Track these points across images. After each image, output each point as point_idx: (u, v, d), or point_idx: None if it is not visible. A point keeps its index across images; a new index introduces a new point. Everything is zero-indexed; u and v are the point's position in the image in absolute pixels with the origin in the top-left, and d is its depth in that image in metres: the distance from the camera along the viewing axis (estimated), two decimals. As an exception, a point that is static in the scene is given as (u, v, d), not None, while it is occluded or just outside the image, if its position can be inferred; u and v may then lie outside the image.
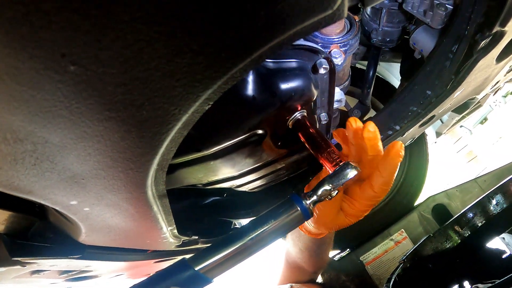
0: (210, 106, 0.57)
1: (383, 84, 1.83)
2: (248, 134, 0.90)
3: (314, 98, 0.94)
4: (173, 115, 0.55)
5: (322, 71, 0.91)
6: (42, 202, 0.70)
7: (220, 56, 0.51)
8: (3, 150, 0.53)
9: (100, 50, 0.42)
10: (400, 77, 1.66)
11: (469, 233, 1.35)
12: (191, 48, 0.48)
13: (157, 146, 0.59)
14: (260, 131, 0.91)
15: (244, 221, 1.37)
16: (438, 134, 1.78)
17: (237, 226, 1.43)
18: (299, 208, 0.81)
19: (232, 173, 1.04)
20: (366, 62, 1.59)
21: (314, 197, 0.83)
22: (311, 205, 0.83)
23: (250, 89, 0.80)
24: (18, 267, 1.02)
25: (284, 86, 0.84)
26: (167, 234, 1.01)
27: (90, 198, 0.71)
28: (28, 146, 0.54)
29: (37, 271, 1.12)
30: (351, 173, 0.80)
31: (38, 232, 0.98)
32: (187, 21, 0.45)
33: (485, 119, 3.75)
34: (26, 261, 0.99)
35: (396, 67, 1.85)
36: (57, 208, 0.74)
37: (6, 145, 0.52)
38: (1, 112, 0.47)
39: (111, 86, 0.47)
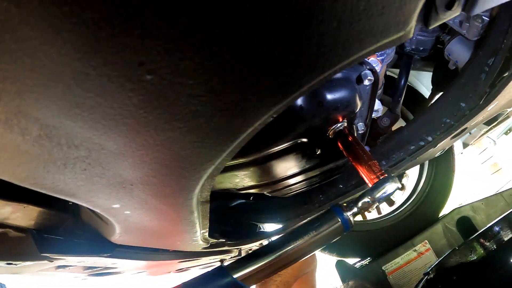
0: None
1: (412, 93, 1.77)
2: (291, 142, 0.86)
3: (357, 110, 0.89)
4: (239, 127, 0.51)
5: (366, 82, 0.88)
6: (83, 204, 0.66)
7: (297, 72, 0.47)
8: (54, 154, 0.49)
9: (181, 60, 0.38)
10: (430, 86, 1.61)
11: (495, 247, 1.31)
12: (271, 64, 0.44)
13: (215, 156, 0.55)
14: (303, 140, 0.87)
15: (270, 226, 1.33)
16: (465, 145, 1.73)
17: (262, 229, 1.39)
18: (339, 220, 0.78)
19: (269, 179, 1.00)
20: (395, 69, 1.54)
21: (355, 209, 0.79)
22: (352, 217, 0.79)
23: (298, 99, 0.76)
24: (46, 262, 0.99)
25: (331, 97, 0.81)
26: (199, 237, 0.97)
27: (134, 202, 0.67)
28: (82, 152, 0.50)
29: (63, 266, 1.08)
30: (392, 187, 0.76)
31: (68, 229, 0.95)
32: (272, 38, 0.41)
33: (510, 129, 3.65)
34: (55, 257, 0.96)
35: (425, 76, 1.79)
36: (96, 211, 0.70)
37: (59, 150, 0.48)
38: (60, 118, 0.42)
39: (185, 96, 0.43)
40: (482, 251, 1.32)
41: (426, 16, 0.59)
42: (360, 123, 1.05)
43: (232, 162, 0.82)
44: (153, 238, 0.95)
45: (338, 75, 0.83)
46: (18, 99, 0.39)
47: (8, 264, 0.97)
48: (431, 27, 0.62)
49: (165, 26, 0.34)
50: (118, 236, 0.88)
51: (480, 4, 0.58)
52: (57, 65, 0.35)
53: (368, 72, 0.86)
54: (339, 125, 0.90)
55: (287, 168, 0.97)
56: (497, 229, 1.32)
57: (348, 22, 0.44)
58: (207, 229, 0.95)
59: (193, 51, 0.38)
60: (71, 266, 1.08)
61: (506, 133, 3.73)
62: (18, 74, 0.36)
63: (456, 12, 0.59)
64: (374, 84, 0.93)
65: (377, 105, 1.16)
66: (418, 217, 1.70)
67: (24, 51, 0.34)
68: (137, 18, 0.33)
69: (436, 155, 1.47)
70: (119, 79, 0.38)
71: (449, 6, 0.57)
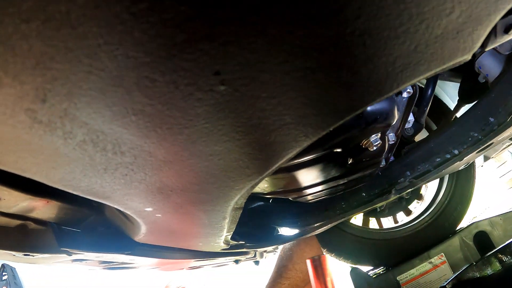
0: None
1: (436, 103, 1.71)
2: (325, 151, 0.81)
3: (394, 122, 0.84)
4: (298, 141, 0.45)
5: (405, 94, 0.82)
6: (115, 206, 0.61)
7: (366, 88, 0.42)
8: (96, 159, 0.44)
9: (261, 72, 0.32)
10: (454, 97, 1.54)
11: (512, 264, 1.26)
12: (345, 81, 0.39)
13: (266, 168, 0.50)
14: (337, 150, 0.82)
15: (289, 230, 1.28)
16: (486, 158, 1.67)
17: (280, 233, 1.33)
18: None
19: (298, 186, 0.94)
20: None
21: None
22: None
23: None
24: (64, 255, 0.94)
25: (371, 108, 0.75)
26: (222, 240, 0.92)
27: (167, 207, 0.62)
28: (127, 158, 0.44)
29: (80, 260, 1.04)
30: None
31: (91, 225, 0.90)
32: (354, 56, 0.36)
33: None
34: (74, 252, 0.91)
35: (450, 86, 1.72)
36: (127, 212, 0.65)
37: (102, 156, 0.43)
38: (112, 124, 0.37)
39: (253, 109, 0.37)
40: (500, 267, 1.27)
41: (485, 39, 0.58)
42: (391, 134, 1.00)
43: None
44: (177, 239, 0.91)
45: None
46: (67, 102, 0.34)
47: (25, 255, 0.92)
48: (487, 49, 0.60)
49: (252, 35, 0.29)
50: (142, 235, 0.84)
51: None
52: (120, 68, 0.30)
53: None
54: (373, 135, 0.84)
55: (318, 176, 0.92)
56: (516, 246, 1.27)
57: (425, 44, 0.40)
58: (232, 232, 0.91)
59: (276, 64, 0.32)
60: (88, 260, 1.03)
61: None
62: (71, 75, 0.31)
63: (511, 36, 0.58)
64: (411, 96, 0.88)
65: (410, 116, 1.10)
66: (436, 228, 1.64)
67: (83, 50, 0.28)
68: (223, 23, 0.27)
69: (460, 168, 1.41)
70: (188, 88, 0.32)
71: (507, 31, 0.57)
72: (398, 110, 0.84)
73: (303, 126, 0.45)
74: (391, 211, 1.85)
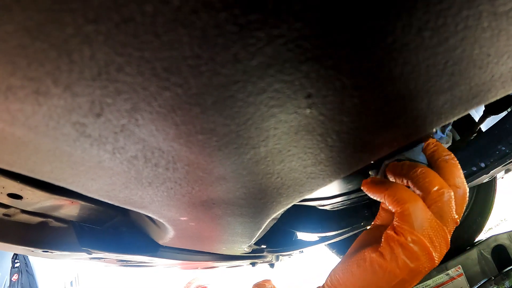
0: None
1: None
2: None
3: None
4: (359, 162, 0.41)
5: None
6: (149, 214, 0.57)
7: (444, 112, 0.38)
8: (143, 174, 0.40)
9: (351, 97, 0.28)
10: (478, 108, 1.49)
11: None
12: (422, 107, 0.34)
13: (319, 185, 0.46)
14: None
15: (309, 235, 1.23)
16: (508, 170, 1.61)
17: (299, 238, 1.29)
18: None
19: (326, 195, 0.90)
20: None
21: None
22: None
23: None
24: (84, 254, 0.91)
25: None
26: (247, 245, 0.88)
27: (205, 217, 0.58)
28: (178, 174, 0.40)
29: (98, 258, 1.00)
30: None
31: (115, 225, 0.86)
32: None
33: None
34: (95, 252, 0.87)
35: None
36: (160, 220, 0.61)
37: (151, 171, 0.39)
38: (174, 142, 0.33)
39: (329, 132, 0.33)
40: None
41: None
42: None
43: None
44: (203, 244, 0.87)
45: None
46: (127, 118, 0.29)
47: (44, 251, 0.88)
48: None
49: (353, 59, 0.24)
50: (168, 239, 0.80)
51: None
52: (203, 86, 0.25)
53: None
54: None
55: (347, 186, 0.87)
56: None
57: (499, 74, 0.37)
58: (258, 239, 0.87)
59: (365, 88, 0.27)
60: (106, 258, 0.99)
61: None
62: (141, 90, 0.26)
63: None
64: None
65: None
66: (454, 240, 1.59)
67: (163, 62, 0.24)
68: (335, 46, 0.22)
69: (484, 181, 1.37)
70: (272, 110, 0.28)
71: None
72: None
73: (370, 148, 0.40)
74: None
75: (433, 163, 0.59)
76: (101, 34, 0.22)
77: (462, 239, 1.64)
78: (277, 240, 1.19)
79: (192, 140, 0.32)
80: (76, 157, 0.35)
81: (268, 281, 1.28)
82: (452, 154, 0.61)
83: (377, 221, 0.64)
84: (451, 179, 0.56)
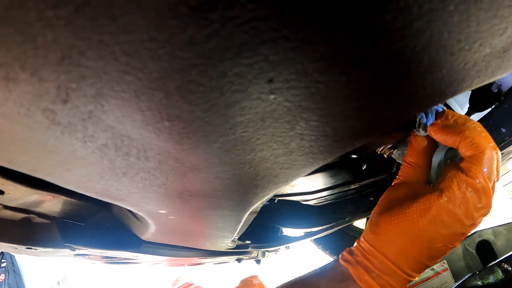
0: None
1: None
2: (341, 157, 0.77)
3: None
4: (333, 152, 0.42)
5: None
6: (128, 208, 0.57)
7: (412, 103, 0.40)
8: (116, 163, 0.40)
9: (316, 82, 0.28)
10: (463, 104, 1.50)
11: (515, 273, 1.23)
12: (393, 94, 0.35)
13: (295, 176, 0.46)
14: (353, 156, 0.78)
15: (294, 231, 1.24)
16: (493, 167, 1.62)
17: (284, 234, 1.30)
18: None
19: (309, 189, 0.91)
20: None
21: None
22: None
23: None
24: (67, 250, 0.90)
25: None
26: (230, 240, 0.89)
27: (184, 210, 0.58)
28: (151, 164, 0.40)
29: (82, 255, 1.00)
30: None
31: (97, 221, 0.86)
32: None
33: None
34: (78, 248, 0.87)
35: (460, 94, 1.68)
36: (140, 213, 0.61)
37: (124, 160, 0.39)
38: (142, 129, 0.33)
39: (296, 120, 0.33)
40: (502, 275, 1.24)
41: None
42: None
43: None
44: (185, 239, 0.87)
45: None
46: (93, 104, 0.29)
47: (27, 248, 0.88)
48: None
49: (318, 43, 0.24)
50: (150, 235, 0.79)
51: None
52: (163, 69, 0.25)
53: None
54: (390, 144, 0.81)
55: (331, 180, 0.88)
56: (519, 256, 1.24)
57: (473, 62, 0.37)
58: (240, 234, 0.87)
59: (333, 75, 0.28)
60: (91, 255, 0.99)
61: None
62: (103, 74, 0.26)
63: None
64: None
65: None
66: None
67: (122, 46, 0.24)
68: (293, 27, 0.23)
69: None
70: (235, 95, 0.28)
71: None
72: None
73: (342, 138, 0.41)
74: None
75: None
76: (62, 19, 0.22)
77: None
78: (262, 235, 1.19)
79: (159, 127, 0.32)
80: (50, 146, 0.35)
81: (255, 277, 1.28)
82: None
83: (401, 177, 0.62)
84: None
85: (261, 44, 0.23)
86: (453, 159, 0.57)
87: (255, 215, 0.68)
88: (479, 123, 0.55)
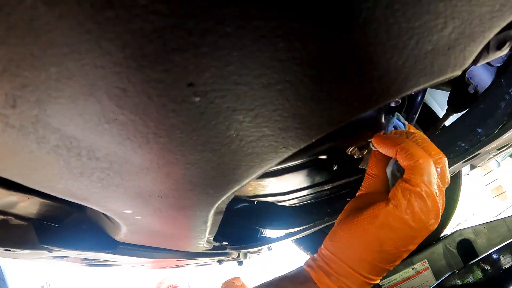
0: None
1: (425, 111, 1.71)
2: (310, 158, 0.80)
3: (384, 131, 0.83)
4: (278, 152, 0.44)
5: (392, 104, 0.80)
6: (93, 207, 0.60)
7: (351, 104, 0.42)
8: (71, 164, 0.42)
9: (237, 84, 0.31)
10: (443, 105, 1.54)
11: (494, 272, 1.26)
12: (327, 96, 0.38)
13: (246, 177, 0.49)
14: (322, 157, 0.81)
15: (274, 232, 1.27)
16: (473, 167, 1.67)
17: (264, 235, 1.32)
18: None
19: (282, 190, 0.93)
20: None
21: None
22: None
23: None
24: (45, 252, 0.93)
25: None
26: (204, 241, 0.91)
27: (147, 210, 0.61)
28: (103, 164, 0.43)
29: (61, 257, 1.02)
30: None
31: (73, 222, 0.88)
32: (342, 73, 0.34)
33: None
34: (55, 249, 0.89)
35: (439, 94, 1.72)
36: (106, 214, 0.64)
37: (77, 160, 0.42)
38: (85, 131, 0.36)
39: (229, 121, 0.36)
40: (481, 275, 1.27)
41: (477, 55, 0.56)
42: None
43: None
44: (159, 240, 0.89)
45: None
46: (37, 109, 0.32)
47: (6, 250, 0.90)
48: (478, 65, 0.57)
49: (226, 48, 0.27)
50: (123, 235, 0.82)
51: None
52: (89, 77, 0.28)
53: None
54: (359, 145, 0.83)
55: (302, 181, 0.90)
56: (498, 255, 1.27)
57: (413, 60, 0.39)
58: (214, 234, 0.90)
59: (253, 77, 0.31)
60: (69, 257, 1.01)
61: (511, 156, 3.66)
62: (40, 83, 0.29)
63: (504, 52, 0.55)
64: (399, 106, 0.86)
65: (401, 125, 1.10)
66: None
67: (49, 58, 0.27)
68: (195, 35, 0.26)
69: (445, 177, 1.41)
70: (160, 99, 0.31)
71: (499, 47, 0.54)
72: (385, 119, 0.83)
73: (283, 138, 0.43)
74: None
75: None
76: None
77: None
78: (240, 236, 1.22)
79: (101, 129, 0.35)
80: (10, 148, 0.38)
81: (237, 278, 1.31)
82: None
83: (364, 189, 0.67)
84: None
85: (170, 52, 0.27)
86: (402, 169, 0.61)
87: (222, 215, 0.71)
88: (421, 134, 0.61)
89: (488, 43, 0.52)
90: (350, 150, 0.85)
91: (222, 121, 0.36)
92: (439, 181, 0.56)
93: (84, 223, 0.90)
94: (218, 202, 0.58)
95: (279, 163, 0.75)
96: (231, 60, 0.29)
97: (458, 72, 0.45)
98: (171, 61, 0.27)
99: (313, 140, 0.46)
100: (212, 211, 0.63)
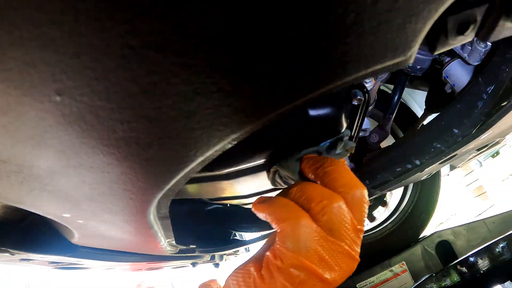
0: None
1: (404, 111, 1.70)
2: (265, 160, 0.79)
3: (343, 130, 0.81)
4: (187, 156, 0.44)
5: (355, 102, 0.77)
6: (33, 211, 0.60)
7: (259, 99, 0.39)
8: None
9: (95, 80, 0.31)
10: (423, 105, 1.53)
11: (471, 276, 1.25)
12: (220, 87, 0.36)
13: (164, 182, 0.49)
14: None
15: (246, 235, 1.27)
16: (452, 167, 1.66)
17: (237, 237, 1.32)
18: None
19: (242, 193, 0.93)
20: (391, 85, 1.47)
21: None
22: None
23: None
24: (7, 254, 0.93)
25: (313, 113, 0.71)
26: (165, 245, 0.91)
27: (84, 214, 0.61)
28: (12, 167, 0.43)
29: (26, 260, 1.03)
30: None
31: (33, 224, 0.89)
32: (220, 54, 0.33)
33: (497, 153, 3.54)
34: (16, 252, 0.90)
35: (419, 94, 1.72)
36: (49, 217, 0.64)
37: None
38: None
39: (110, 122, 0.36)
40: (458, 278, 1.26)
41: (433, 39, 0.51)
42: None
43: (201, 174, 0.76)
44: (115, 243, 0.89)
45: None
46: None
47: (-34, 253, 0.91)
48: (437, 52, 0.53)
49: (66, 38, 0.27)
50: (77, 239, 0.82)
51: (499, 31, 0.49)
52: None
53: (357, 91, 0.77)
54: (322, 144, 0.82)
55: (262, 183, 0.90)
56: (475, 259, 1.26)
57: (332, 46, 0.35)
58: (173, 238, 0.89)
59: (109, 69, 0.30)
60: (34, 260, 1.02)
61: (493, 156, 3.63)
62: None
63: (468, 38, 0.50)
64: (364, 103, 0.84)
65: (365, 124, 1.09)
66: (398, 236, 1.63)
67: None
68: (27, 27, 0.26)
69: (422, 178, 1.40)
70: (25, 99, 0.31)
71: (461, 31, 0.48)
72: (347, 118, 0.81)
73: (182, 141, 0.43)
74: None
75: (317, 179, 0.56)
76: None
77: (406, 235, 1.68)
78: (212, 239, 1.22)
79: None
80: None
81: (214, 281, 1.30)
82: (331, 160, 0.58)
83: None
84: (338, 187, 0.53)
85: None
86: None
87: (168, 220, 0.70)
88: (332, 163, 0.55)
89: (446, 25, 0.47)
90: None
91: (101, 122, 0.36)
92: (328, 236, 0.48)
93: (45, 226, 0.91)
94: (151, 207, 0.58)
95: (235, 164, 0.75)
96: (75, 52, 0.29)
97: (402, 58, 0.40)
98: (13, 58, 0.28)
99: (229, 140, 0.45)
100: (151, 216, 0.63)
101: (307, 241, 0.47)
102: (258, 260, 0.53)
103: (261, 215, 0.54)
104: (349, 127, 0.92)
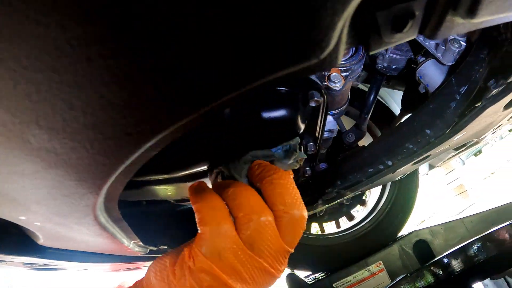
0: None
1: (383, 109, 1.72)
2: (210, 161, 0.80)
3: (301, 132, 0.82)
4: (104, 165, 0.45)
5: (312, 104, 0.77)
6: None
7: (161, 109, 0.40)
8: None
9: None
10: (401, 106, 1.55)
11: (446, 277, 1.27)
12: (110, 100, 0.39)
13: (96, 190, 0.50)
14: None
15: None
16: (431, 166, 1.67)
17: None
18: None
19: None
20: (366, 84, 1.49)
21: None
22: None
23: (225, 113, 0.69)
24: (-21, 256, 0.96)
25: (266, 115, 0.72)
26: (131, 246, 0.93)
27: (38, 217, 0.63)
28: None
29: (1, 261, 1.05)
30: None
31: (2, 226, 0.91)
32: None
33: (479, 151, 3.56)
34: (-16, 253, 0.93)
35: (398, 94, 1.73)
36: (7, 220, 0.67)
37: None
38: None
39: (21, 134, 0.38)
40: (432, 279, 1.28)
41: (365, 37, 0.46)
42: (310, 143, 0.99)
43: (158, 177, 0.78)
44: (81, 245, 0.91)
45: (281, 91, 0.74)
46: None
47: None
48: (372, 53, 0.50)
49: None
50: (43, 241, 0.85)
51: (447, 28, 0.44)
52: None
53: (315, 92, 0.76)
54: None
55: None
56: (449, 260, 1.27)
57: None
58: (137, 239, 0.92)
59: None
60: (7, 261, 1.04)
61: (475, 155, 3.65)
62: None
63: (409, 35, 0.46)
64: (325, 105, 0.85)
65: (332, 125, 1.11)
66: (376, 236, 1.65)
67: None
68: None
69: (396, 179, 1.42)
70: None
71: (398, 28, 0.43)
72: (304, 120, 0.82)
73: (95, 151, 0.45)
74: (331, 216, 1.85)
75: (260, 187, 0.56)
76: None
77: (383, 234, 1.70)
78: (184, 239, 1.24)
79: None
80: None
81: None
82: (282, 173, 0.57)
83: None
84: (279, 203, 0.52)
85: None
86: None
87: (124, 222, 0.73)
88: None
89: (376, 21, 0.43)
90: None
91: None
92: (247, 250, 0.48)
93: (13, 227, 0.93)
94: (96, 211, 0.59)
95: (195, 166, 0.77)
96: None
97: (314, 61, 0.37)
98: None
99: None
100: (102, 219, 0.65)
101: (223, 250, 0.47)
102: (176, 254, 0.55)
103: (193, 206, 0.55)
104: (311, 129, 0.94)
